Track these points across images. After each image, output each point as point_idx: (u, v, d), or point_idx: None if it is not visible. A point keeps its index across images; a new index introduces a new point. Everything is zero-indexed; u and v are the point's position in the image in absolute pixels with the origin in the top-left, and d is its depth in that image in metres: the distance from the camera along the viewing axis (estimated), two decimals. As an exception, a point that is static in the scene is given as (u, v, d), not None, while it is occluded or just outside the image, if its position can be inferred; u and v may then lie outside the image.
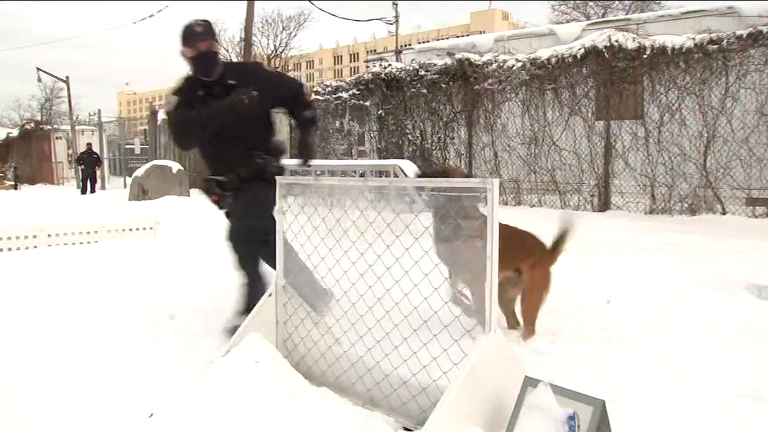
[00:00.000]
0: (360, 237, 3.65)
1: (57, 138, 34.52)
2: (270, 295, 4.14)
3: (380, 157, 15.80)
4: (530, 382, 2.82)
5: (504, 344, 3.12)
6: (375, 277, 3.56)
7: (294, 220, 4.07)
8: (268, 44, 44.46)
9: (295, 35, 46.63)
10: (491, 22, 71.23)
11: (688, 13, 13.26)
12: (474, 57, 14.73)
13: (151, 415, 3.25)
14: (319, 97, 17.80)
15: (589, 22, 15.83)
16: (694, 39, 11.53)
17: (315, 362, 3.91)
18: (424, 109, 15.80)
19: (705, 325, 4.86)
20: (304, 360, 3.96)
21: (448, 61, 15.11)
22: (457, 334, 3.16)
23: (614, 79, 12.59)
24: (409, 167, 12.92)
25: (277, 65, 45.24)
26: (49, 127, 36.47)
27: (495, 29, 44.71)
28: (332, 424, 3.20)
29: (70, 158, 31.00)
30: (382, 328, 3.67)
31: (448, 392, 2.89)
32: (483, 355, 2.97)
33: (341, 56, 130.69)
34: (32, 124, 37.03)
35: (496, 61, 14.26)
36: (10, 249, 8.23)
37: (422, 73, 15.59)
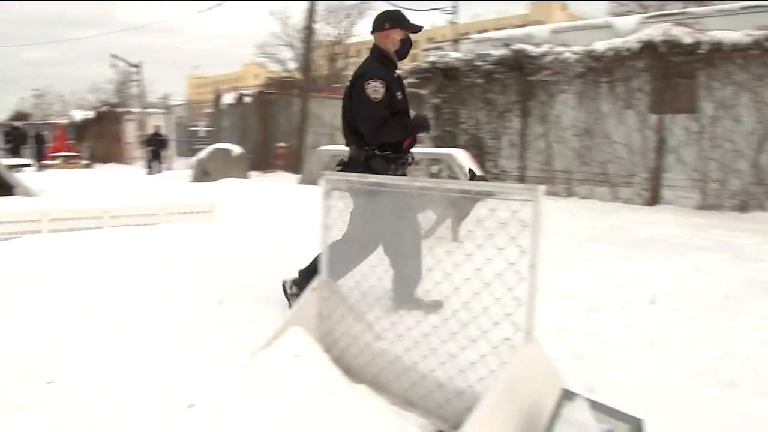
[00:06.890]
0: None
1: (128, 120, 35.45)
2: (313, 289, 4.10)
3: (435, 145, 15.65)
4: (567, 395, 2.78)
5: (543, 354, 3.06)
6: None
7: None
8: (328, 33, 44.19)
9: (356, 23, 46.33)
10: (549, 12, 69.60)
11: (747, 8, 12.86)
12: (530, 48, 14.58)
13: (192, 405, 3.29)
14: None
15: (646, 15, 15.47)
16: (752, 35, 11.28)
17: (354, 358, 3.88)
18: (479, 99, 15.68)
19: (752, 332, 4.75)
20: (344, 355, 3.93)
21: (504, 52, 14.96)
22: (495, 340, 3.10)
23: (669, 74, 12.36)
24: (463, 157, 12.89)
25: (338, 52, 45.35)
26: (121, 109, 37.39)
27: (553, 20, 44.05)
28: (365, 423, 3.20)
29: (139, 139, 31.72)
30: (421, 329, 3.69)
31: (485, 399, 2.84)
32: (522, 363, 2.92)
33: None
34: (106, 107, 37.78)
35: (551, 53, 14.11)
36: (75, 229, 8.24)
37: (478, 63, 15.42)
